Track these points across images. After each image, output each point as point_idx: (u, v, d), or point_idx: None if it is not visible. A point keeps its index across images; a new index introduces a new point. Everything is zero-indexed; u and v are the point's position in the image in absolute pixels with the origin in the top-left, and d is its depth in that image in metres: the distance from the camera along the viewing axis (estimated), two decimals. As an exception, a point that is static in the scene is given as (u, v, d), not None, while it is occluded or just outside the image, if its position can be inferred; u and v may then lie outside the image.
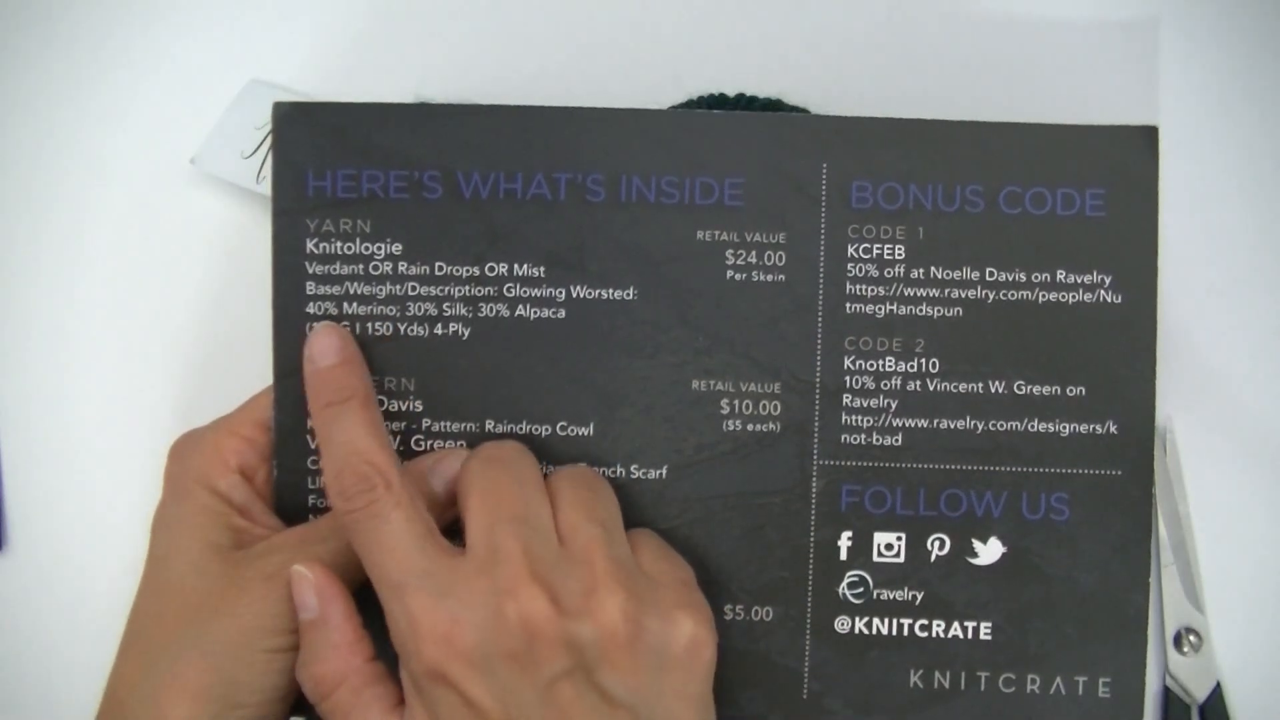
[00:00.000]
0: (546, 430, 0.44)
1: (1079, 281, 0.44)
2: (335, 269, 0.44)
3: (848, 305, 0.44)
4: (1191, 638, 0.48)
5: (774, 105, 0.49)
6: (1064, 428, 0.44)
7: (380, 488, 0.39)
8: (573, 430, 0.44)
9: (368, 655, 0.41)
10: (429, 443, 0.44)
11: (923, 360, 0.44)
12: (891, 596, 0.45)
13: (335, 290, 0.44)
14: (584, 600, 0.38)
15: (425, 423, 0.44)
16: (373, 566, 0.39)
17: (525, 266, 0.44)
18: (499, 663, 0.38)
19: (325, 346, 0.43)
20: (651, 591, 0.40)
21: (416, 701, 0.39)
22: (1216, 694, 0.48)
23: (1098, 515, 0.44)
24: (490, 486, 0.40)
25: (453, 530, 0.41)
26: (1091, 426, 0.44)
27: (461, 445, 0.44)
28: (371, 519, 0.39)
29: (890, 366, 0.44)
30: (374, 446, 0.40)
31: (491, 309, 0.44)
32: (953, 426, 0.44)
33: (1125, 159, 0.44)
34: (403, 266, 0.44)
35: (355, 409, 0.41)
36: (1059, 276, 0.44)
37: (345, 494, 0.40)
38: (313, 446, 0.44)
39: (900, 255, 0.44)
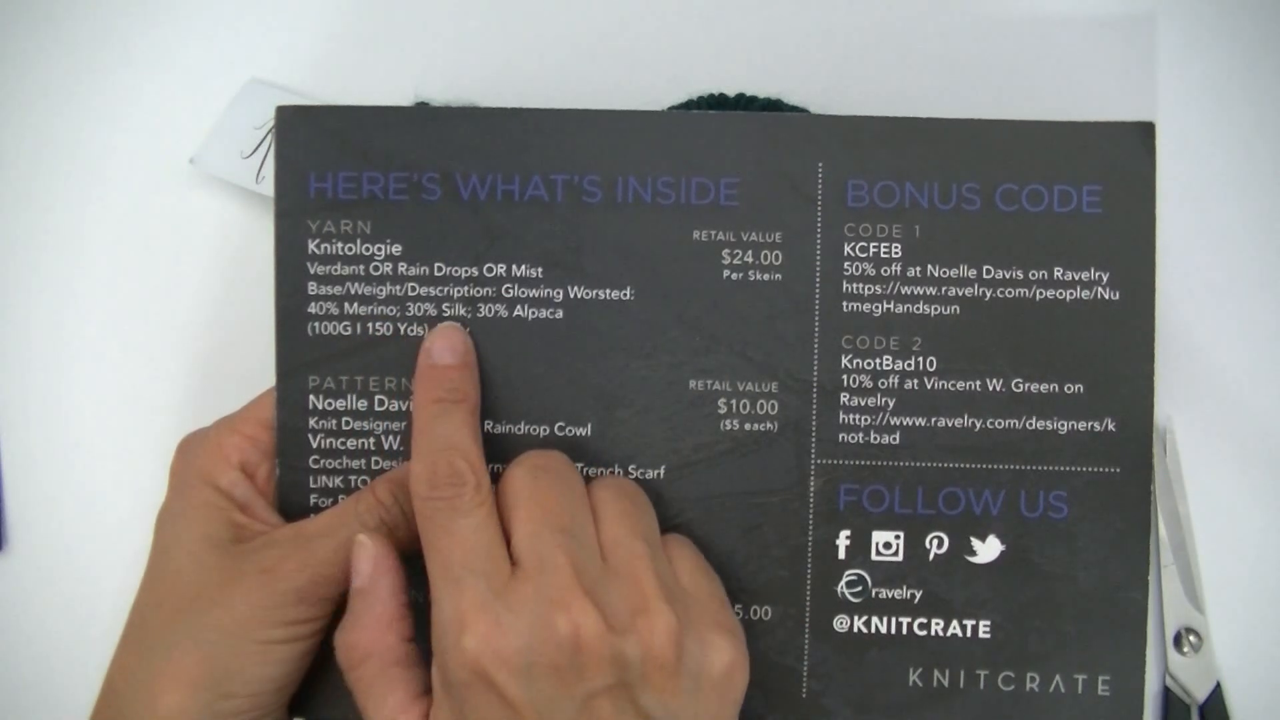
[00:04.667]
0: (545, 430, 0.44)
1: (1076, 279, 0.44)
2: (336, 269, 0.44)
3: (844, 304, 0.44)
4: (1191, 638, 0.48)
5: (774, 105, 0.49)
6: (1062, 425, 0.44)
7: (470, 486, 0.40)
8: (571, 430, 0.44)
9: (405, 635, 0.41)
10: (428, 442, 0.45)
11: (920, 359, 0.44)
12: (890, 595, 0.45)
13: (336, 290, 0.44)
14: (631, 619, 0.39)
15: (424, 422, 0.44)
16: (436, 555, 0.40)
17: (523, 267, 0.44)
18: (540, 672, 0.38)
19: (447, 345, 0.43)
20: (690, 611, 0.40)
21: (445, 700, 0.39)
22: (1216, 694, 0.48)
23: (1096, 513, 0.44)
24: (537, 496, 0.40)
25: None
26: (1090, 424, 0.44)
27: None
28: (452, 510, 0.40)
29: (888, 365, 0.44)
30: (474, 450, 0.41)
31: (490, 309, 0.44)
32: (950, 425, 0.44)
33: (1122, 155, 0.44)
34: (402, 267, 0.44)
35: (465, 412, 0.42)
36: (1056, 274, 0.44)
37: (434, 482, 0.40)
38: (314, 445, 0.44)
39: (897, 254, 0.44)
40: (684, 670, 0.39)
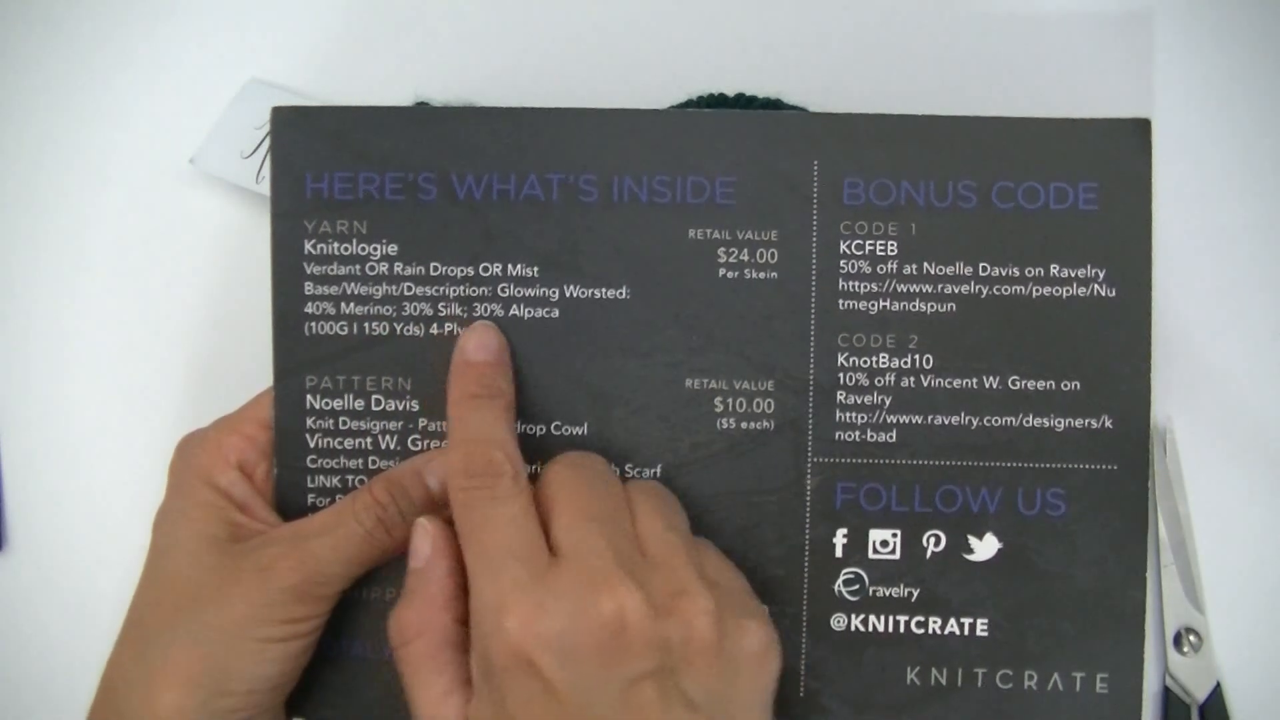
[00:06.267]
0: (541, 430, 0.44)
1: (1073, 276, 0.44)
2: (333, 269, 0.45)
3: (841, 302, 0.44)
4: (1191, 638, 0.48)
5: (774, 105, 0.49)
6: (1059, 423, 0.44)
7: (508, 477, 0.40)
8: (567, 430, 0.44)
9: (459, 616, 0.41)
10: (425, 442, 0.45)
11: (916, 356, 0.44)
12: (887, 593, 0.44)
13: (333, 290, 0.45)
14: (673, 601, 0.39)
15: (421, 422, 0.45)
16: (475, 543, 0.40)
17: (519, 267, 0.44)
18: (584, 654, 0.37)
19: (483, 342, 0.44)
20: (726, 599, 0.40)
21: (485, 690, 0.39)
22: (1216, 694, 0.47)
23: (1094, 510, 0.44)
24: (577, 488, 0.41)
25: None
26: (1087, 421, 0.44)
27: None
28: (490, 499, 0.40)
29: (884, 363, 0.44)
30: (510, 442, 0.41)
31: (486, 309, 0.44)
32: (947, 423, 0.44)
33: (1118, 152, 0.44)
34: (399, 267, 0.45)
35: (501, 407, 0.42)
36: (1052, 271, 0.44)
37: (470, 472, 0.40)
38: (311, 445, 0.45)
39: (893, 251, 0.44)
40: (725, 654, 0.39)
